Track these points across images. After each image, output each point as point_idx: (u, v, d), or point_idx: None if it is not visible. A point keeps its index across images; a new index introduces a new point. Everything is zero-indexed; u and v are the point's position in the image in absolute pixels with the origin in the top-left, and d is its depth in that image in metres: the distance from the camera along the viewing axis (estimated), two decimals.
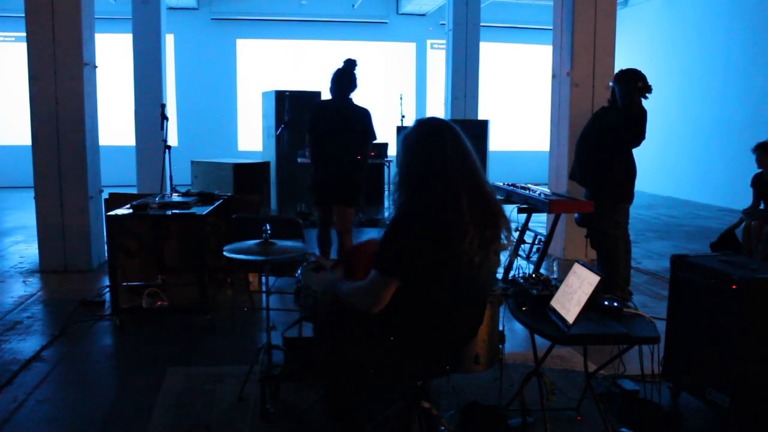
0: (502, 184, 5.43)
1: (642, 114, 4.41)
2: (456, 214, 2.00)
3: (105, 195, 5.45)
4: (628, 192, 4.52)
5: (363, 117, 4.92)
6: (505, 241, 2.17)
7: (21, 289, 5.22)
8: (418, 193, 2.05)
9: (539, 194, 4.88)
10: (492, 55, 13.36)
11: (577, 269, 2.57)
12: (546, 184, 6.52)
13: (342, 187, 4.87)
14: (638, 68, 4.51)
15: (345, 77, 4.89)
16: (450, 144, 2.08)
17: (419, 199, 2.04)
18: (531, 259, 5.22)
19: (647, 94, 4.43)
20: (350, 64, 4.93)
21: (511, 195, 5.18)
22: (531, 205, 4.95)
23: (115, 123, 10.96)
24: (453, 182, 2.03)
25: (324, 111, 4.97)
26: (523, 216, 5.33)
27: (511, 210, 5.23)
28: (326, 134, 4.87)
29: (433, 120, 2.16)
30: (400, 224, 2.05)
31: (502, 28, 13.97)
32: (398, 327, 2.13)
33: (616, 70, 4.65)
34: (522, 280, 2.89)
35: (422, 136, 2.11)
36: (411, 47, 14.27)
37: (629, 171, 4.49)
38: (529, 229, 5.40)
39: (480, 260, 2.08)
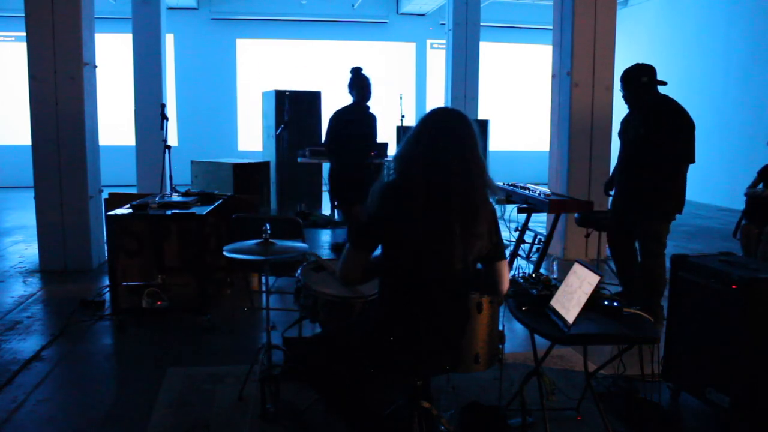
0: (502, 184, 5.43)
1: (660, 109, 4.14)
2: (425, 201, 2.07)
3: (105, 195, 5.45)
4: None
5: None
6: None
7: (21, 289, 5.22)
8: (404, 173, 2.14)
9: (539, 194, 4.88)
10: (492, 55, 13.37)
11: (577, 269, 2.56)
12: (546, 184, 6.52)
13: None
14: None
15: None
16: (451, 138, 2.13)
17: (403, 178, 2.13)
18: (531, 259, 5.22)
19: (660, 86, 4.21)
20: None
21: (511, 195, 5.19)
22: (531, 205, 4.95)
23: (115, 123, 10.97)
24: (436, 172, 2.09)
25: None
26: (523, 216, 5.34)
27: (511, 210, 5.25)
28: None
29: (449, 113, 2.20)
30: (375, 197, 2.15)
31: (502, 28, 13.98)
32: (387, 319, 2.17)
33: (617, 70, 4.59)
34: (522, 280, 2.89)
35: (434, 123, 2.17)
36: (411, 47, 14.27)
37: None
38: (529, 229, 5.41)
39: (454, 246, 2.10)
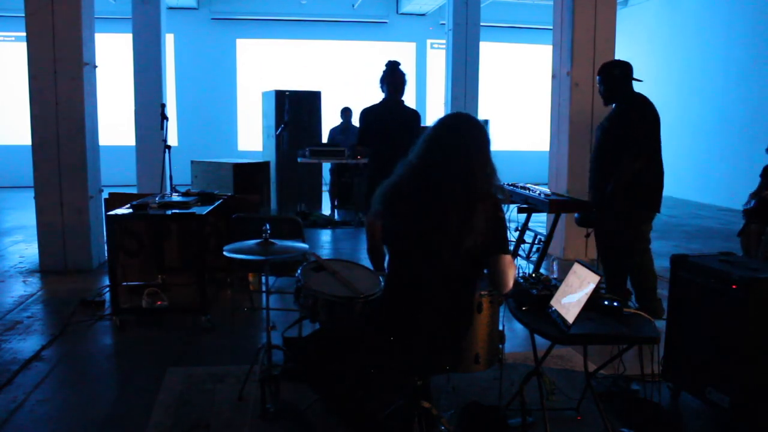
0: (502, 183, 5.42)
1: (633, 105, 4.12)
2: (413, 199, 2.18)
3: (105, 195, 5.44)
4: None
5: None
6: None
7: (21, 289, 5.22)
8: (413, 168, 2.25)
9: (539, 194, 4.87)
10: (492, 55, 13.36)
11: (577, 269, 2.56)
12: (546, 184, 6.52)
13: None
14: (637, 68, 4.46)
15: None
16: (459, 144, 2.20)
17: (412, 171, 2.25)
18: (531, 259, 5.22)
19: (635, 80, 4.19)
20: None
21: (511, 195, 5.18)
22: (531, 205, 4.95)
23: (115, 123, 10.96)
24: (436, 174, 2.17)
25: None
26: (523, 216, 5.34)
27: (511, 210, 5.24)
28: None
29: (456, 115, 2.32)
30: (377, 196, 2.29)
31: (502, 28, 13.98)
32: (387, 319, 2.20)
33: None
34: (522, 280, 2.89)
35: (446, 126, 2.28)
36: (411, 47, 14.27)
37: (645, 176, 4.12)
38: (529, 229, 5.41)
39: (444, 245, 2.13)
